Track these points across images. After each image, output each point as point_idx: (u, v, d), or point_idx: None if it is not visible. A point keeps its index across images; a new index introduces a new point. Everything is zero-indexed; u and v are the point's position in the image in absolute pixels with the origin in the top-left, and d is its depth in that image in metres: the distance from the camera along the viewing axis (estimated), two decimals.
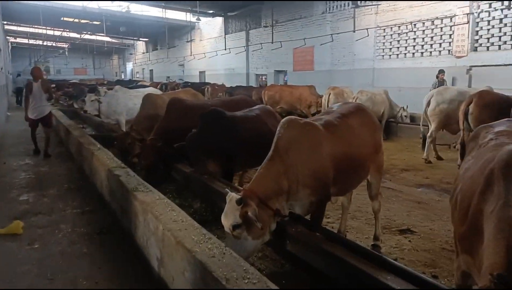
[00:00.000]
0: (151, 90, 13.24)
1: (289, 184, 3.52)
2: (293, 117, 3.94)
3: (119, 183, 4.62)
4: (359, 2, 16.31)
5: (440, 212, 6.10)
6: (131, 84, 29.65)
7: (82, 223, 5.04)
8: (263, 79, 25.76)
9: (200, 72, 32.35)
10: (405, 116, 12.16)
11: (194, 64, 32.43)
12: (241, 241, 3.19)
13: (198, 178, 5.32)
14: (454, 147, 10.70)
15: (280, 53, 21.91)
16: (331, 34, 17.99)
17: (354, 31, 15.82)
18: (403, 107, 12.21)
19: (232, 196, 3.23)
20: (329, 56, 18.79)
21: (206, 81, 28.67)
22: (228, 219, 3.18)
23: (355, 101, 11.53)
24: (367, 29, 15.95)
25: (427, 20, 14.06)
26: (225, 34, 26.16)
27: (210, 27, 30.57)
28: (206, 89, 20.77)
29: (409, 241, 5.01)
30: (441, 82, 11.76)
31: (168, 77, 37.58)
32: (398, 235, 5.21)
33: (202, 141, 5.26)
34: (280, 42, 20.47)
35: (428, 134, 9.27)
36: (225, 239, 3.38)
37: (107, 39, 43.08)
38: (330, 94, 12.62)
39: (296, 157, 3.56)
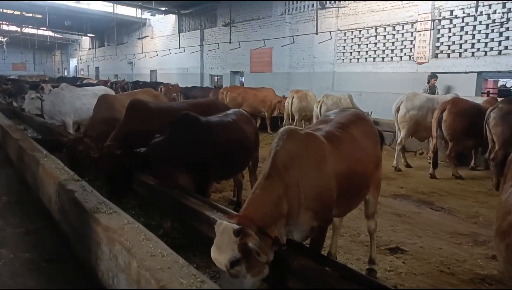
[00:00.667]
0: (101, 89, 12.23)
1: (289, 207, 2.94)
2: (292, 126, 3.35)
3: (73, 201, 3.82)
4: (324, 2, 16.01)
5: (423, 226, 5.75)
6: (76, 81, 28.08)
7: (26, 246, 4.18)
8: (216, 80, 25.04)
9: (151, 70, 31.07)
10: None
11: (144, 62, 31.12)
12: (239, 279, 2.56)
13: (167, 193, 4.59)
14: (420, 154, 10.56)
15: (236, 53, 21.30)
16: (292, 36, 17.60)
17: (316, 34, 15.48)
18: (368, 112, 11.96)
19: (225, 226, 2.59)
20: (288, 58, 18.42)
21: (158, 80, 27.54)
22: (223, 254, 2.52)
23: (321, 105, 11.17)
24: (329, 32, 15.68)
25: (388, 25, 13.97)
26: (179, 32, 25.17)
27: (162, 24, 29.43)
28: (159, 89, 19.79)
29: (403, 262, 4.57)
30: (432, 88, 11.54)
31: (116, 75, 35.93)
32: (390, 255, 4.76)
33: (171, 149, 4.54)
34: (238, 42, 19.88)
35: (398, 141, 9.01)
36: (218, 279, 2.74)
37: (50, 33, 40.54)
38: (293, 97, 12.19)
39: (297, 175, 2.97)
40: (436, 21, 12.50)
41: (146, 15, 30.43)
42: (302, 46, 17.49)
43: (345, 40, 15.69)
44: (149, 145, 4.59)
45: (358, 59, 15.28)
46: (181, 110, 5.57)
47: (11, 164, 7.65)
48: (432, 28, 12.51)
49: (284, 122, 12.46)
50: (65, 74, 49.74)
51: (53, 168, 4.99)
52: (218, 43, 21.72)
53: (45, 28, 38.69)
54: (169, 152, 4.56)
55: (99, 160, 5.18)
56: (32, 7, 30.26)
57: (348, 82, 15.45)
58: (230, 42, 19.40)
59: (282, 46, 18.22)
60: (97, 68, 41.26)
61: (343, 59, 15.86)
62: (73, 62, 49.38)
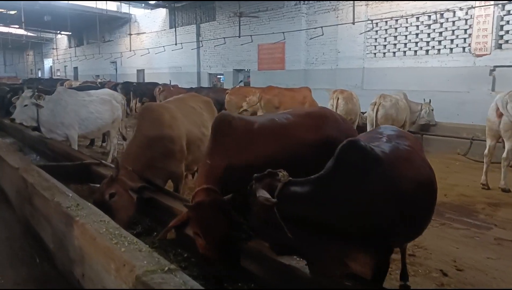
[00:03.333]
0: (106, 92, 10.02)
1: None
2: None
3: None
4: None
5: None
6: (55, 83, 25.38)
7: None
8: (215, 79, 22.91)
9: (138, 70, 28.60)
10: (429, 112, 10.09)
11: (130, 61, 28.60)
12: None
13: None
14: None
15: (240, 49, 19.21)
16: (315, 28, 15.59)
17: (353, 23, 13.48)
18: (422, 104, 10.17)
19: None
20: (305, 54, 16.45)
21: (146, 81, 25.18)
22: None
23: (377, 107, 9.24)
24: (358, 22, 13.77)
25: (435, 12, 12.14)
26: (175, 28, 22.83)
27: (150, 20, 27.00)
28: (157, 90, 17.56)
29: None
30: None
31: (98, 75, 33.24)
32: None
33: (330, 205, 2.50)
34: (250, 36, 17.69)
35: (504, 155, 7.06)
36: None
37: (22, 32, 37.37)
38: (338, 98, 10.20)
39: None
40: (500, 5, 10.72)
41: (131, 10, 27.99)
42: (322, 40, 15.54)
43: (377, 31, 13.81)
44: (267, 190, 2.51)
45: (394, 52, 13.42)
46: (290, 126, 3.54)
47: (8, 205, 5.46)
48: (494, 14, 10.74)
49: None
50: (39, 75, 46.54)
51: (105, 235, 2.86)
52: (224, 38, 19.40)
53: (17, 26, 35.67)
54: (326, 209, 2.49)
55: (198, 216, 3.02)
56: (2, 4, 27.44)
57: (382, 79, 13.58)
58: (239, 36, 17.27)
59: (295, 40, 16.22)
60: (75, 68, 38.39)
61: (375, 53, 13.98)
62: (48, 63, 46.19)
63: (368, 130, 9.34)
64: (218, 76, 23.05)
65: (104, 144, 10.89)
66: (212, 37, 21.28)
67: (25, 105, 7.17)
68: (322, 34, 14.37)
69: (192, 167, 5.37)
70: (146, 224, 4.36)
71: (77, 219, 3.24)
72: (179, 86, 18.25)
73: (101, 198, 3.96)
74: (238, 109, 12.12)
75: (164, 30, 25.36)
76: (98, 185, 4.10)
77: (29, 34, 39.29)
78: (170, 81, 19.59)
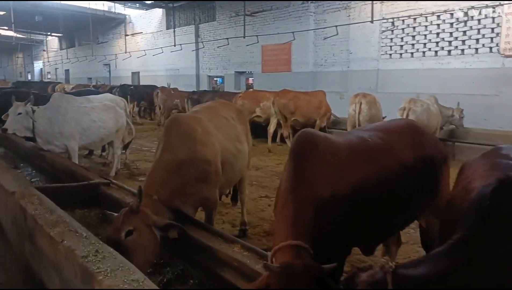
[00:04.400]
0: (108, 98, 9.13)
1: None
2: None
3: None
4: None
5: None
6: (46, 86, 24.28)
7: None
8: (216, 82, 22.01)
9: (132, 73, 27.57)
10: (460, 117, 9.35)
11: (124, 63, 27.55)
12: None
13: None
14: None
15: (243, 51, 18.36)
16: (324, 28, 14.77)
17: (372, 22, 12.61)
18: (453, 109, 9.40)
19: None
20: (313, 55, 15.63)
21: (141, 83, 24.20)
22: None
23: (408, 113, 8.42)
24: (371, 21, 12.95)
25: (458, 10, 11.38)
26: (173, 28, 21.82)
27: (146, 20, 26.02)
28: (155, 94, 16.66)
29: None
30: None
31: (90, 78, 32.20)
32: None
33: None
34: (256, 36, 16.73)
35: None
36: None
37: (11, 33, 36.05)
38: (361, 102, 9.38)
39: None
40: None
41: (126, 10, 26.99)
42: (332, 40, 14.72)
43: (393, 30, 13.02)
44: None
45: (412, 53, 12.63)
46: (386, 145, 2.71)
47: (1, 233, 4.57)
48: None
49: None
50: (29, 78, 45.23)
51: None
52: (227, 38, 18.43)
53: (6, 28, 34.40)
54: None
55: (284, 284, 2.05)
56: None
57: (398, 82, 12.80)
58: (244, 37, 16.36)
59: (302, 40, 15.38)
60: (67, 71, 37.23)
61: (391, 54, 13.18)
62: (37, 65, 44.88)
63: None
64: (215, 79, 22.17)
65: (104, 154, 9.96)
66: (211, 38, 20.38)
67: (19, 114, 6.25)
68: (337, 34, 13.52)
69: (224, 190, 4.51)
70: (177, 268, 3.49)
71: (100, 278, 2.38)
72: (178, 90, 17.34)
73: (116, 237, 3.05)
74: (250, 115, 11.27)
75: (161, 31, 24.41)
76: (115, 214, 3.20)
77: (18, 35, 38.00)
78: (168, 84, 18.62)
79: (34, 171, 7.00)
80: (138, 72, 26.96)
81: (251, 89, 11.92)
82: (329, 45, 14.94)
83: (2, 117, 6.75)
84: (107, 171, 8.64)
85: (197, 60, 21.75)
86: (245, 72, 19.44)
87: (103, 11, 27.24)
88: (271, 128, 10.88)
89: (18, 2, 24.96)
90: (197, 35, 21.52)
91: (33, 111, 6.44)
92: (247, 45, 17.34)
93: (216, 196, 3.98)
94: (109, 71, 30.60)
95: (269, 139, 10.91)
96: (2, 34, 36.29)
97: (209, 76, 21.50)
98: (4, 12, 27.77)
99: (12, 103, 6.44)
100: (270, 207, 6.47)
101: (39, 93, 10.22)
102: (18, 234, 4.06)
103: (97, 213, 4.78)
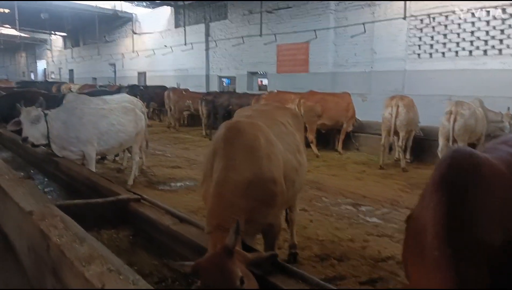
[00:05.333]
0: (125, 98, 8.42)
1: None
2: None
3: None
4: None
5: None
6: (50, 86, 23.57)
7: None
8: (224, 83, 21.27)
9: (139, 73, 26.86)
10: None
11: (130, 63, 26.88)
12: None
13: None
14: None
15: (257, 50, 17.65)
16: (346, 27, 14.05)
17: (404, 18, 11.90)
18: (503, 114, 8.64)
19: None
20: (333, 55, 14.89)
21: (148, 84, 23.46)
22: None
23: (455, 117, 7.68)
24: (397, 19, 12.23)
25: (495, 7, 10.65)
26: (184, 27, 21.08)
27: (153, 19, 25.29)
28: (166, 95, 15.96)
29: None
30: None
31: (95, 78, 31.49)
32: None
33: None
34: (274, 35, 16.04)
35: None
36: None
37: (14, 32, 35.36)
38: (398, 105, 8.63)
39: None
40: None
41: (131, 9, 26.28)
42: (354, 39, 14.00)
43: (421, 29, 12.27)
44: None
45: (443, 53, 11.88)
46: None
47: (14, 257, 3.86)
48: None
49: (398, 143, 8.78)
50: (32, 77, 44.54)
51: None
52: (242, 37, 17.69)
53: (8, 26, 33.69)
54: None
55: None
56: None
57: (427, 83, 12.05)
58: (261, 35, 15.66)
59: (320, 39, 14.65)
60: (71, 70, 36.54)
61: (419, 54, 12.43)
62: (41, 65, 44.19)
63: (442, 145, 7.83)
64: (223, 79, 21.47)
65: (117, 159, 9.26)
66: (223, 37, 19.66)
67: (34, 116, 5.53)
68: (364, 32, 12.81)
69: (281, 211, 3.78)
70: None
71: None
72: (189, 90, 16.63)
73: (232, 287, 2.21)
74: None
75: (169, 30, 23.69)
76: (185, 263, 2.43)
77: (22, 34, 37.32)
78: (178, 84, 17.91)
79: (46, 179, 6.27)
80: (145, 72, 26.24)
81: (275, 90, 11.19)
82: (351, 44, 14.21)
83: (9, 126, 5.98)
84: (122, 178, 7.92)
85: (207, 60, 21.02)
86: (258, 72, 18.69)
87: (110, 9, 26.54)
88: None
89: (23, 1, 24.28)
90: (207, 34, 20.80)
91: (45, 115, 5.72)
92: (265, 44, 16.62)
93: (280, 222, 3.26)
94: (115, 71, 29.89)
95: None
96: (5, 33, 35.56)
97: (219, 76, 20.77)
98: (8, 10, 27.11)
99: (19, 108, 5.67)
100: (313, 223, 5.75)
101: (49, 93, 9.48)
102: (37, 264, 3.33)
103: (126, 235, 4.06)
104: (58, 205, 3.79)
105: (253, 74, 18.81)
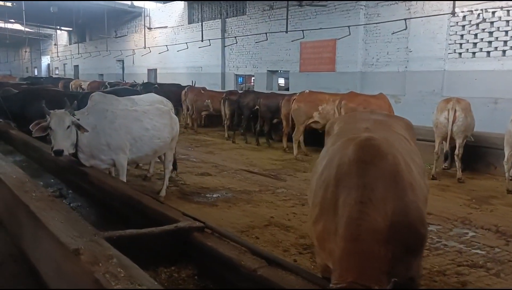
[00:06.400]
0: (155, 99, 7.62)
1: None
2: None
3: None
4: None
5: None
6: (57, 82, 22.69)
7: None
8: (251, 83, 20.39)
9: (149, 70, 26.00)
10: None
11: (140, 60, 25.98)
12: None
13: None
14: None
15: (277, 48, 16.80)
16: (377, 24, 13.17)
17: (453, 14, 10.98)
18: None
19: None
20: (362, 53, 14.02)
21: (158, 81, 22.55)
22: None
23: None
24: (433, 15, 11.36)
25: None
26: (201, 22, 20.14)
27: (165, 14, 24.41)
28: (183, 93, 15.12)
29: None
30: None
31: (102, 75, 30.65)
32: None
33: None
34: (302, 31, 15.08)
35: None
36: None
37: (18, 27, 34.44)
38: (455, 109, 7.77)
39: None
40: None
41: (142, 3, 25.38)
42: (387, 37, 13.14)
43: (464, 26, 11.40)
44: None
45: (488, 52, 11.00)
46: None
47: None
48: None
49: (455, 152, 7.89)
50: (35, 73, 43.68)
51: None
52: (266, 33, 16.65)
53: (13, 21, 32.84)
54: None
55: None
56: None
57: (470, 85, 11.19)
58: (287, 32, 14.79)
59: (354, 37, 13.78)
60: (76, 66, 35.70)
61: (461, 53, 11.55)
62: (45, 60, 43.35)
63: (509, 155, 6.99)
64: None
65: (141, 164, 8.40)
66: (240, 33, 18.78)
67: (68, 126, 4.69)
68: (399, 29, 11.96)
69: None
70: None
71: None
72: (207, 89, 15.77)
73: None
74: (307, 120, 9.72)
75: (182, 25, 22.82)
76: None
77: (27, 29, 36.44)
78: (193, 82, 17.03)
79: (70, 192, 5.44)
80: (155, 69, 25.38)
81: (307, 90, 10.34)
82: (383, 42, 13.34)
83: (34, 132, 5.10)
84: (150, 187, 7.10)
85: (223, 58, 20.15)
86: (278, 71, 17.82)
87: (120, 3, 25.64)
88: None
89: None
90: (223, 30, 19.93)
91: (79, 122, 4.88)
92: (287, 41, 15.74)
93: (421, 274, 2.43)
94: (123, 68, 29.03)
95: None
96: (10, 27, 34.69)
97: (236, 74, 19.89)
98: (14, 4, 26.25)
99: (46, 111, 4.79)
100: None
101: (65, 92, 8.62)
102: None
103: (190, 275, 3.23)
104: (107, 238, 2.96)
105: (273, 72, 17.93)
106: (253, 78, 19.25)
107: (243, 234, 5.14)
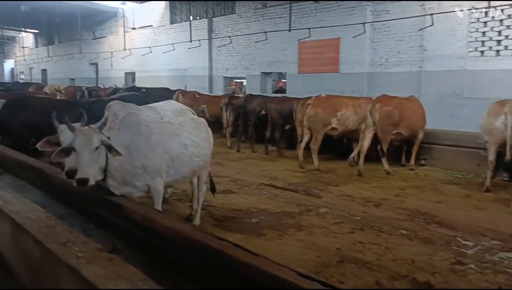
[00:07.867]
0: (176, 107, 6.46)
1: None
2: None
3: None
4: None
5: None
6: (27, 87, 20.91)
7: None
8: (233, 84, 19.31)
9: (126, 73, 24.45)
10: None
11: (116, 62, 24.43)
12: None
13: None
14: None
15: (272, 48, 15.79)
16: (386, 21, 12.34)
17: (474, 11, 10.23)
18: None
19: None
20: (370, 53, 13.16)
21: (137, 85, 21.06)
22: None
23: None
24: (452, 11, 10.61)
25: None
26: (190, 21, 18.83)
27: (143, 14, 22.97)
28: (175, 98, 13.81)
29: None
30: None
31: (73, 79, 28.82)
32: None
33: None
34: (308, 29, 14.05)
35: None
36: None
37: None
38: (506, 113, 6.95)
39: None
40: None
41: (117, 3, 23.84)
42: (397, 35, 12.34)
43: (485, 23, 10.70)
44: None
45: None
46: None
47: None
48: None
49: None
50: None
51: None
52: (265, 32, 15.49)
53: None
54: None
55: None
56: None
57: (494, 85, 10.48)
58: (289, 30, 13.76)
59: (361, 35, 12.93)
60: (44, 70, 33.55)
61: (483, 51, 10.83)
62: (8, 64, 40.78)
63: None
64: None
65: None
66: (230, 33, 17.64)
67: (96, 148, 3.48)
68: (411, 26, 11.18)
69: None
70: None
71: None
72: (198, 93, 14.55)
73: None
74: (325, 127, 8.72)
75: (163, 26, 21.46)
76: None
77: None
78: (185, 86, 15.81)
79: (96, 232, 4.14)
80: (134, 73, 23.87)
81: (323, 94, 9.33)
82: (393, 40, 12.53)
83: (41, 147, 3.91)
84: (172, 211, 5.95)
85: (210, 59, 18.94)
86: (273, 72, 16.79)
87: (92, 3, 23.98)
88: (365, 144, 8.35)
89: None
90: (210, 30, 18.73)
91: (110, 145, 3.68)
92: (284, 41, 14.75)
93: None
94: (97, 71, 27.31)
95: (362, 159, 8.39)
96: None
97: (225, 77, 18.72)
98: None
99: (55, 124, 3.59)
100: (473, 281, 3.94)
101: (68, 100, 7.33)
102: None
103: None
104: None
105: (267, 74, 16.88)
106: (244, 80, 18.17)
107: (320, 276, 4.04)
